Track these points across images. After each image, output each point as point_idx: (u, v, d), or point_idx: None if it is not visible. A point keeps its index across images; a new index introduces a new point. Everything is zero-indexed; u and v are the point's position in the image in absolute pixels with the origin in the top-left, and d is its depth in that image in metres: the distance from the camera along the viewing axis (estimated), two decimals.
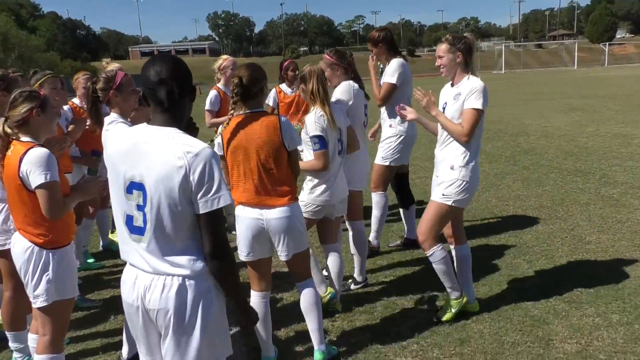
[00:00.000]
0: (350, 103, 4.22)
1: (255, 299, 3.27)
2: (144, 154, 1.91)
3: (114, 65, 5.39)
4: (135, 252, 1.99)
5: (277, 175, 3.06)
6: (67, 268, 2.87)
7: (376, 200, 5.10)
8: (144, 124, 2.03)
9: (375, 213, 5.15)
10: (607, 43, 65.13)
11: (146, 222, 1.93)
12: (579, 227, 5.68)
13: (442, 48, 3.68)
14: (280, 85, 6.16)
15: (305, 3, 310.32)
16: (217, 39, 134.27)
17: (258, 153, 3.00)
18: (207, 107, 5.61)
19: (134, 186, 1.93)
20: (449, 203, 3.62)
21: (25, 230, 2.81)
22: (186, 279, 1.94)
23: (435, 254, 3.71)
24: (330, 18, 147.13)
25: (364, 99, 4.42)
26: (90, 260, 5.25)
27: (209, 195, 1.86)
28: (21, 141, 2.80)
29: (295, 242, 3.15)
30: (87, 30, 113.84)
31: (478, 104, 3.52)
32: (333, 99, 4.00)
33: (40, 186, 2.68)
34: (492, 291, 4.25)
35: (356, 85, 4.33)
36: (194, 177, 1.84)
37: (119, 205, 2.02)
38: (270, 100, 6.02)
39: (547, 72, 50.41)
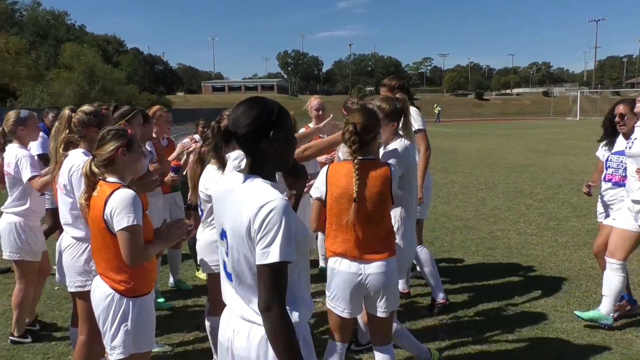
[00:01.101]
0: None
1: (333, 349, 3.07)
2: (228, 202, 1.88)
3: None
4: (230, 294, 1.96)
5: (381, 227, 2.86)
6: (146, 318, 2.69)
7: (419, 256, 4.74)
8: (235, 172, 1.96)
9: (425, 270, 4.79)
10: None
11: (231, 268, 1.91)
12: None
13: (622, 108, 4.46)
14: None
15: (373, 44, 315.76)
16: (285, 76, 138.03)
17: (367, 203, 2.79)
18: None
19: (223, 233, 1.93)
20: None
21: (106, 275, 2.66)
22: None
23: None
24: (397, 59, 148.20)
25: None
26: (161, 300, 5.07)
27: (263, 248, 1.74)
28: (107, 182, 2.69)
29: (393, 298, 2.95)
30: (165, 66, 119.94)
31: None
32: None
33: (123, 229, 2.53)
34: None
35: None
36: (255, 228, 1.76)
37: (219, 249, 2.01)
38: None
39: None
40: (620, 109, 4.55)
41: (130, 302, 2.62)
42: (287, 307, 1.75)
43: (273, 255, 1.72)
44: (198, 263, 3.88)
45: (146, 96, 66.72)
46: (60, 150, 3.32)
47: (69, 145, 3.34)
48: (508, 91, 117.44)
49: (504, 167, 15.08)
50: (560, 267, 6.03)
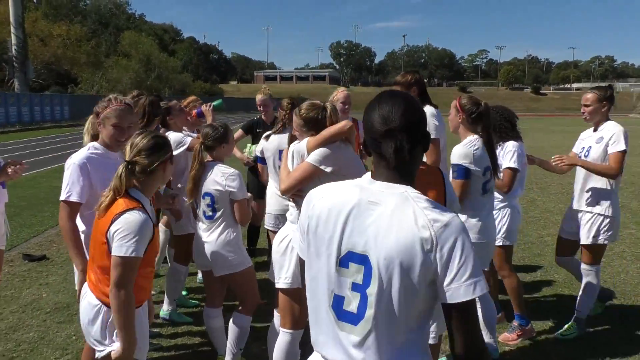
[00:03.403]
0: None
1: None
2: (373, 218, 1.48)
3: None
4: (337, 345, 1.52)
5: None
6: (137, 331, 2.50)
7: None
8: (367, 177, 1.58)
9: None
10: None
11: (365, 308, 1.47)
12: None
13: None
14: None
15: (427, 35, 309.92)
16: (337, 67, 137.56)
17: None
18: None
19: (352, 258, 1.49)
20: None
21: (96, 286, 2.50)
22: None
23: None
24: (452, 51, 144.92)
25: None
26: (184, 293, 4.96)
27: (462, 280, 1.41)
28: (127, 197, 2.43)
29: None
30: (219, 55, 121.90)
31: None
32: None
33: (119, 257, 2.33)
34: None
35: None
36: (442, 255, 1.41)
37: (326, 281, 1.55)
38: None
39: None
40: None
41: None
42: None
43: (480, 288, 1.41)
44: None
45: (199, 84, 68.22)
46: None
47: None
48: (567, 86, 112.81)
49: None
50: (615, 279, 5.60)
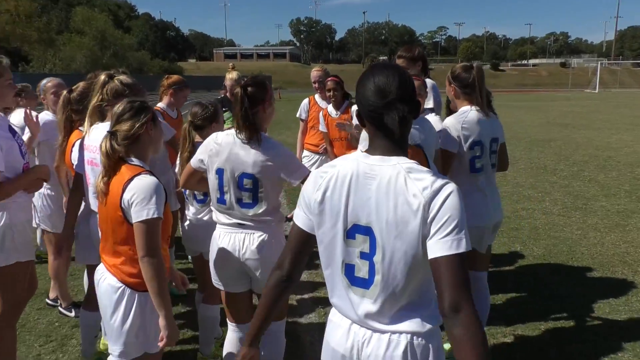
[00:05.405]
0: None
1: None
2: (372, 192, 1.58)
3: (235, 73, 5.23)
4: (350, 306, 1.68)
5: None
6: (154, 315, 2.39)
7: None
8: (361, 153, 1.65)
9: None
10: None
11: (374, 274, 1.61)
12: None
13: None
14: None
15: (387, 12, 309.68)
16: (298, 44, 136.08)
17: None
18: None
19: (358, 230, 1.61)
20: None
21: (117, 267, 2.37)
22: (414, 338, 1.62)
23: None
24: (412, 28, 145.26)
25: None
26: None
27: (444, 235, 1.49)
28: (130, 164, 2.36)
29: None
30: (177, 32, 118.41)
31: None
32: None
33: (141, 222, 2.24)
34: None
35: None
36: (433, 218, 1.51)
37: (338, 251, 1.67)
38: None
39: None
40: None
41: (143, 297, 2.35)
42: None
43: (464, 244, 1.49)
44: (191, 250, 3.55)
45: (158, 63, 66.30)
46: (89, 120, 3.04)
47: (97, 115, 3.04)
48: (524, 62, 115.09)
49: (524, 141, 14.59)
50: (591, 251, 5.70)
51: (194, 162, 2.79)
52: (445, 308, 1.44)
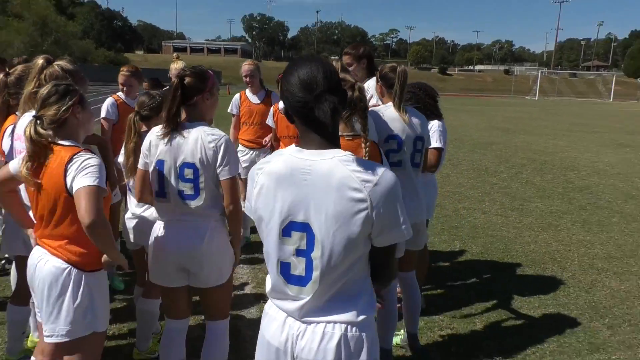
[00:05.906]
0: None
1: None
2: (308, 187, 1.56)
3: (180, 63, 5.15)
4: (289, 301, 1.68)
5: None
6: (105, 295, 2.47)
7: None
8: (294, 147, 1.61)
9: None
10: None
11: (312, 270, 1.60)
12: None
13: None
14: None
15: (341, 12, 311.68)
16: (249, 40, 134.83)
17: None
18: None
19: (294, 227, 1.59)
20: None
21: (62, 247, 2.32)
22: (348, 328, 1.64)
23: None
24: (364, 29, 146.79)
25: None
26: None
27: (393, 227, 1.59)
28: (64, 145, 2.31)
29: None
30: (124, 22, 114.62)
31: None
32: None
33: (83, 187, 2.16)
34: None
35: None
36: (378, 211, 1.54)
37: (272, 250, 1.67)
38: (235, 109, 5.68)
39: (583, 103, 49.41)
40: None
41: (91, 276, 2.35)
42: None
43: (407, 232, 1.62)
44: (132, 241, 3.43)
45: (103, 53, 64.03)
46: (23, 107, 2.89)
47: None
48: (471, 67, 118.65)
49: (468, 143, 15.05)
50: (525, 249, 5.97)
51: (140, 163, 2.73)
52: (382, 283, 1.74)
